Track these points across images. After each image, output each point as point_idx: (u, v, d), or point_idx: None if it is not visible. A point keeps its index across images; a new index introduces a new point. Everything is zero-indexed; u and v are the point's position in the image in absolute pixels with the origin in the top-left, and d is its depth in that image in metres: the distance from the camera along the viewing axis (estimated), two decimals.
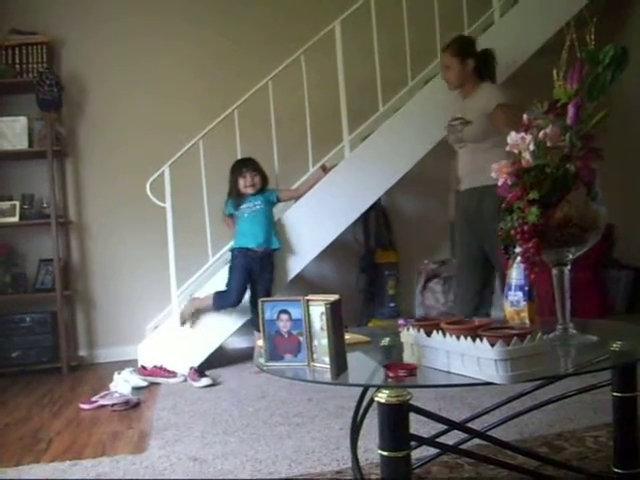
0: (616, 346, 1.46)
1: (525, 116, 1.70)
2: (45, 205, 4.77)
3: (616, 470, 1.76)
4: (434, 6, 4.60)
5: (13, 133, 4.69)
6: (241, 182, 4.32)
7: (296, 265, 4.42)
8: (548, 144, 1.61)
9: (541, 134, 1.61)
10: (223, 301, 4.25)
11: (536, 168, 1.60)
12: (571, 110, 1.64)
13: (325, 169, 4.47)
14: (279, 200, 4.45)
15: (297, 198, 4.47)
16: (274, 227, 4.34)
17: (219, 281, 4.32)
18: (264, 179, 4.39)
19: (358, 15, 4.44)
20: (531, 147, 1.62)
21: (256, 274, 4.26)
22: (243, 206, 4.33)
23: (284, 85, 4.45)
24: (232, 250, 4.33)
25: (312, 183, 4.44)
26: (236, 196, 4.35)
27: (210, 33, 5.11)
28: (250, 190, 4.31)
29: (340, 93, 4.48)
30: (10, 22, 4.84)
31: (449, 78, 3.98)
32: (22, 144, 4.70)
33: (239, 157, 4.41)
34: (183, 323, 4.30)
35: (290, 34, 4.84)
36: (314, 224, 4.40)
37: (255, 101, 4.39)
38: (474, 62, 3.90)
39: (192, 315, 4.30)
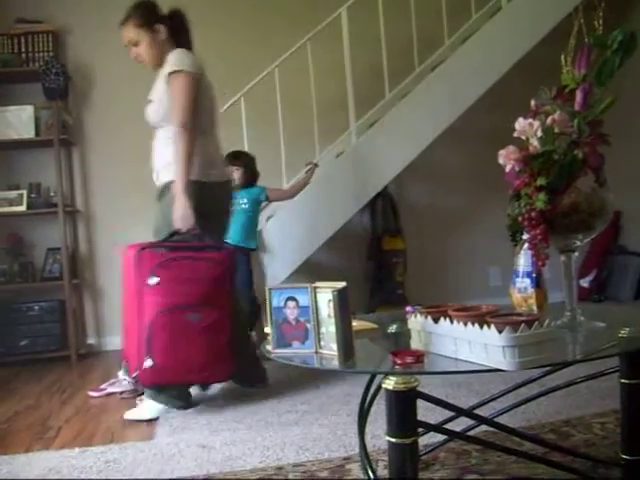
0: (624, 332, 1.45)
1: (533, 102, 1.70)
2: (52, 194, 4.78)
3: (624, 456, 1.76)
4: None
5: (20, 122, 4.70)
6: None
7: (303, 252, 4.42)
8: (556, 130, 1.60)
9: (549, 120, 1.60)
10: None
11: (544, 154, 1.59)
12: (579, 96, 1.63)
13: (310, 164, 4.43)
14: (268, 199, 4.33)
15: (288, 199, 4.42)
16: (254, 228, 4.26)
17: None
18: (250, 176, 4.25)
19: (365, 1, 4.42)
20: (539, 133, 1.61)
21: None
22: None
23: (290, 73, 4.44)
24: None
25: (302, 185, 4.39)
26: None
27: (215, 21, 5.09)
28: None
29: (347, 80, 4.47)
30: (16, 11, 4.83)
31: (143, 56, 3.14)
32: (29, 133, 4.71)
33: (245, 146, 4.40)
34: None
35: (296, 21, 4.83)
36: (322, 211, 4.40)
37: (261, 89, 4.38)
38: (166, 28, 3.12)
39: None
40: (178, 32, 3.16)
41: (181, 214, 2.84)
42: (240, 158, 4.25)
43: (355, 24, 4.45)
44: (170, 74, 2.95)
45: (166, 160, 3.00)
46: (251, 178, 4.26)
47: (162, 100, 3.01)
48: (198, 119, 2.98)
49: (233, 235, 4.17)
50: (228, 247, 3.00)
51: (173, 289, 2.74)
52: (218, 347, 2.81)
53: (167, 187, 2.97)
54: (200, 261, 2.82)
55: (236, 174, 4.22)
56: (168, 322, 2.71)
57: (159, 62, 3.09)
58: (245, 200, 4.22)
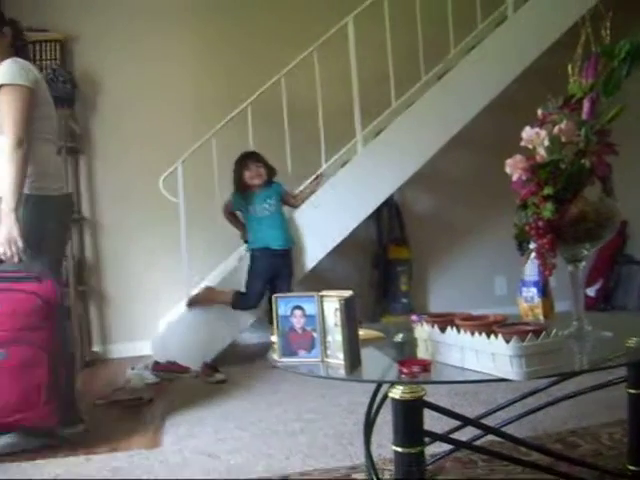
0: (631, 342, 1.45)
1: (540, 111, 1.70)
2: None
3: (630, 467, 1.76)
4: (447, 0, 4.58)
5: None
6: (246, 174, 4.24)
7: (310, 261, 4.41)
8: (563, 139, 1.60)
9: (556, 129, 1.60)
10: (243, 303, 4.21)
11: (551, 163, 1.59)
12: (586, 105, 1.63)
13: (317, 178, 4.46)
14: (282, 199, 4.35)
15: (293, 207, 4.43)
16: (288, 224, 4.32)
17: (237, 280, 4.30)
18: (270, 171, 4.30)
19: (371, 10, 4.42)
20: (546, 142, 1.61)
21: (278, 272, 4.19)
22: (255, 205, 4.24)
23: (297, 81, 4.45)
24: (252, 250, 4.26)
25: (307, 194, 4.42)
26: (243, 190, 4.28)
27: (222, 31, 5.12)
28: (256, 181, 4.23)
29: (353, 89, 4.47)
30: (23, 19, 4.82)
31: None
32: None
33: None
34: (190, 306, 4.26)
35: (303, 30, 4.83)
36: (328, 220, 4.39)
37: (268, 98, 4.39)
38: (11, 32, 2.87)
39: (204, 305, 4.27)
40: (17, 40, 2.93)
41: (7, 237, 2.52)
42: (259, 157, 4.29)
43: (361, 33, 4.45)
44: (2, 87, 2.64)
45: None
46: (271, 174, 4.31)
47: None
48: (41, 128, 2.75)
49: (276, 240, 4.17)
50: (52, 277, 2.58)
51: None
52: (33, 388, 2.48)
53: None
54: (10, 293, 2.50)
55: (261, 171, 4.24)
56: None
57: None
58: (273, 200, 4.26)
